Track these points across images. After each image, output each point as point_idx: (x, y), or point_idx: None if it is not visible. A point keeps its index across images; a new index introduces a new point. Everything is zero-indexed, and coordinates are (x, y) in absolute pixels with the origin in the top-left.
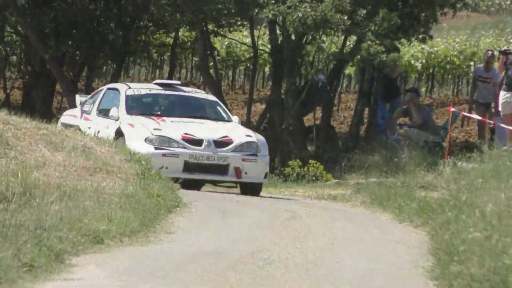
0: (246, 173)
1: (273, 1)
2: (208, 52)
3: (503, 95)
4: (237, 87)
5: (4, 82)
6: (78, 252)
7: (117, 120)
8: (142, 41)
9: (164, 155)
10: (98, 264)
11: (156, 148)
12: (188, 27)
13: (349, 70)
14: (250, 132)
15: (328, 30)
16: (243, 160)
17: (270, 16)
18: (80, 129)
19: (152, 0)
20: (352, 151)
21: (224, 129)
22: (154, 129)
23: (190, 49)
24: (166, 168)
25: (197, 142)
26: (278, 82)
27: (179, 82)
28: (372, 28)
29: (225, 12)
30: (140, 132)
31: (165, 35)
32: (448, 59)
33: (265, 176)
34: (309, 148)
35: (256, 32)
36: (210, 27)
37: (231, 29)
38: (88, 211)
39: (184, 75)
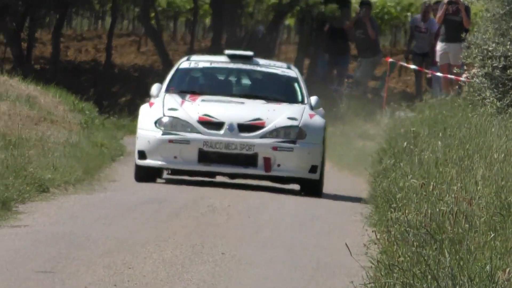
0: (278, 165)
1: None
2: (149, 3)
3: (440, 46)
4: (178, 38)
5: None
6: (25, 200)
7: (156, 98)
8: None
9: (171, 141)
10: (44, 212)
11: (164, 133)
12: None
13: (289, 21)
14: (305, 113)
15: None
16: (274, 148)
17: None
18: None
19: None
20: None
21: (267, 110)
22: (169, 109)
23: (132, 0)
24: (175, 157)
25: (217, 126)
26: (218, 33)
27: (251, 54)
28: None
29: None
30: (154, 113)
31: None
32: (385, 10)
33: (313, 170)
34: None
35: None
36: None
37: None
38: (33, 160)
39: (126, 26)
